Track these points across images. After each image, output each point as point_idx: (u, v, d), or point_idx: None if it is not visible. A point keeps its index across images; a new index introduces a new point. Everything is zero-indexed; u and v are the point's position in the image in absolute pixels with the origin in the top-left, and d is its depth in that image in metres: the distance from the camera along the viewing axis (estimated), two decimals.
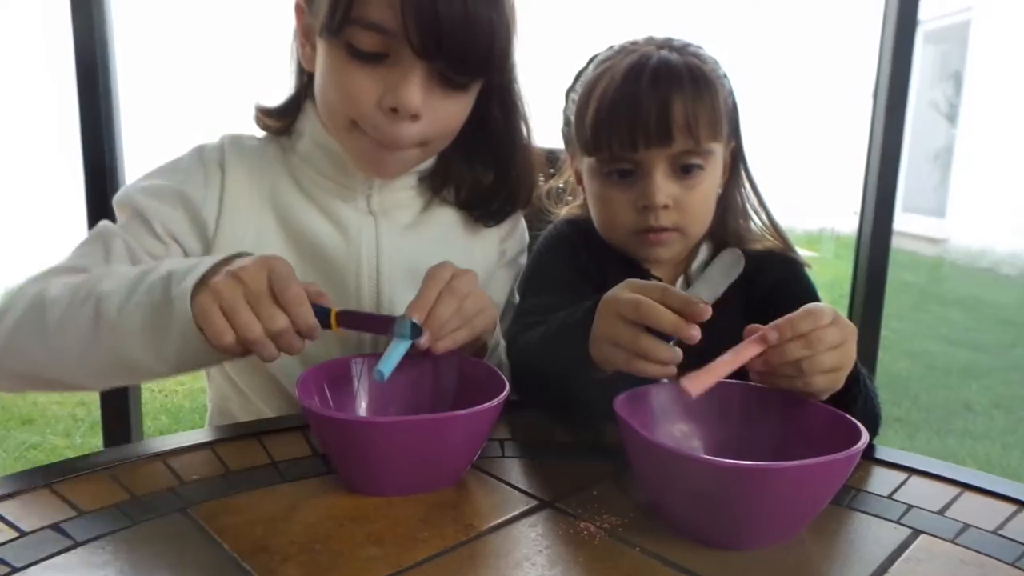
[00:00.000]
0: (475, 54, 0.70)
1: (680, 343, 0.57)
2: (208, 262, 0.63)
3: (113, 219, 0.81)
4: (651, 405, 0.61)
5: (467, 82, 0.73)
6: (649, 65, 0.76)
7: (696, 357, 0.59)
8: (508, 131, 0.85)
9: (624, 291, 0.60)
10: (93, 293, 0.65)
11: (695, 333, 0.56)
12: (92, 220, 1.28)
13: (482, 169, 0.87)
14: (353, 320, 0.65)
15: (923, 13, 1.34)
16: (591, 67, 0.84)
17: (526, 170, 0.88)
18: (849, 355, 0.59)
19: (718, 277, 0.63)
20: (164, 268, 0.64)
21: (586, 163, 0.83)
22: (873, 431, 0.55)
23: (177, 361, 0.65)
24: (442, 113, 0.74)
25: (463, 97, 0.75)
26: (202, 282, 0.62)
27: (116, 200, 0.80)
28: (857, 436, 0.51)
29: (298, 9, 0.77)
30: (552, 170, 0.98)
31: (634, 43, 0.82)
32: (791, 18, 8.44)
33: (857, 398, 0.63)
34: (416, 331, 0.63)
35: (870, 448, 0.65)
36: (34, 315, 0.66)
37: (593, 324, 0.63)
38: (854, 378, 0.62)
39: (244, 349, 0.62)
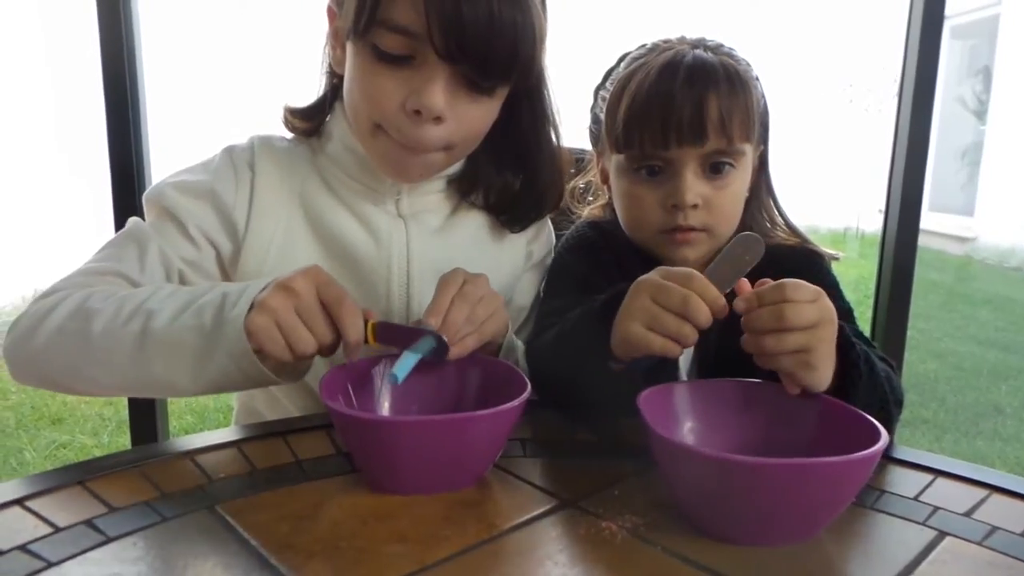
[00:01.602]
0: (499, 58, 0.70)
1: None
2: (258, 285, 0.64)
3: (141, 215, 0.82)
4: (674, 404, 0.61)
5: (492, 86, 0.73)
6: (684, 63, 0.76)
7: (714, 346, 0.59)
8: (537, 136, 0.85)
9: (664, 278, 0.62)
10: (141, 309, 0.66)
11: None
12: (119, 217, 1.30)
13: (511, 174, 0.87)
14: (388, 334, 0.65)
15: (950, 8, 1.31)
16: (623, 64, 0.83)
17: (555, 175, 0.88)
18: (819, 337, 0.58)
19: (735, 263, 0.62)
20: (217, 291, 0.66)
21: (614, 160, 0.82)
22: (886, 420, 0.55)
23: (212, 382, 0.66)
24: (467, 117, 0.74)
25: (489, 102, 0.75)
26: (252, 303, 0.63)
27: (147, 197, 0.81)
28: (878, 437, 0.51)
29: (330, 13, 0.79)
30: (572, 170, 0.98)
31: (667, 41, 0.82)
32: (817, 14, 8.34)
33: (857, 383, 0.62)
34: (440, 346, 0.64)
35: (891, 446, 0.65)
36: (78, 323, 0.67)
37: (624, 305, 0.64)
38: (852, 363, 0.62)
39: (297, 366, 0.65)
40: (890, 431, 0.59)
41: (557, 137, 0.86)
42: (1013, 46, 6.75)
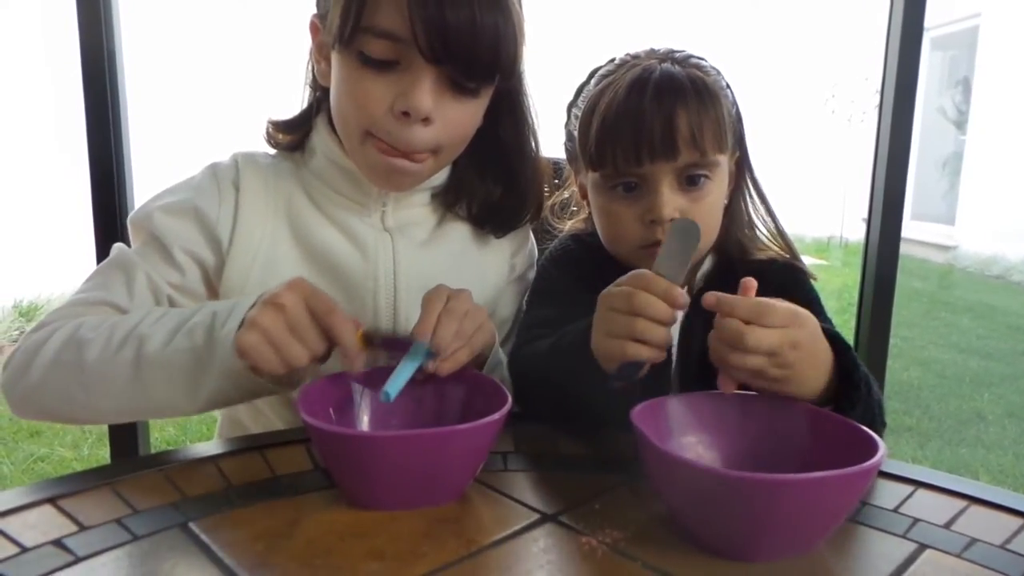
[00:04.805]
0: (482, 58, 0.71)
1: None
2: (247, 302, 0.65)
3: (124, 234, 0.81)
4: (667, 417, 0.60)
5: (476, 87, 0.74)
6: (652, 79, 0.76)
7: (700, 358, 0.60)
8: (518, 143, 0.86)
9: (615, 286, 0.64)
10: (133, 335, 0.67)
11: (678, 316, 0.61)
12: (100, 231, 1.29)
13: (492, 182, 0.88)
14: (376, 341, 0.65)
15: (930, 19, 1.33)
16: (593, 81, 0.84)
17: (534, 182, 0.89)
18: (780, 363, 0.58)
19: (677, 253, 0.62)
20: (207, 311, 0.66)
21: (591, 177, 0.82)
22: None
23: (211, 400, 0.67)
24: (453, 118, 0.75)
25: (473, 102, 0.76)
26: (242, 320, 0.63)
27: (131, 220, 0.81)
28: (874, 450, 0.50)
29: (313, 27, 0.79)
30: (556, 181, 0.98)
31: (636, 56, 0.82)
32: (799, 26, 8.44)
33: (856, 405, 0.62)
34: (429, 354, 0.64)
35: None
36: (71, 354, 0.68)
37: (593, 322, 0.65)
38: (854, 385, 0.62)
39: (293, 375, 0.65)
40: None
41: (536, 143, 0.87)
42: (992, 57, 6.86)
